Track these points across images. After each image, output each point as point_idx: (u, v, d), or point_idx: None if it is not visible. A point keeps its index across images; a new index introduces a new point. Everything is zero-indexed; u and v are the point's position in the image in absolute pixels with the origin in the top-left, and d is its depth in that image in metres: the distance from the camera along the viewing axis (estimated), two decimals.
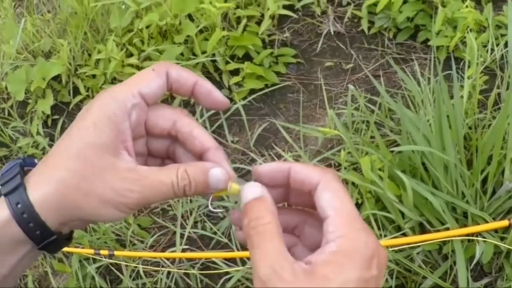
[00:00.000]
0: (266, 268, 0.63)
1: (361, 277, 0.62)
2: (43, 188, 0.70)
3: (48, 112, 3.17)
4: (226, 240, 2.58)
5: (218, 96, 0.77)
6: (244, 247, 2.53)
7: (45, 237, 0.71)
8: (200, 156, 0.77)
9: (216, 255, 2.50)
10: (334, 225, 0.65)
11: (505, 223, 2.23)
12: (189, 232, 2.61)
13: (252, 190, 0.70)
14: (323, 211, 0.66)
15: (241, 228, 0.72)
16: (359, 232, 0.64)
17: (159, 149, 0.80)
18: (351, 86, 2.83)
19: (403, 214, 2.33)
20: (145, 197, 0.71)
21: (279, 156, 2.70)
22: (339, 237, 0.64)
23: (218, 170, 0.74)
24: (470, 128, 2.56)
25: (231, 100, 3.04)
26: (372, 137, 2.56)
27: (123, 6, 3.18)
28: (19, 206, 0.70)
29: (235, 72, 3.12)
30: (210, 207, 0.76)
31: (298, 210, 0.76)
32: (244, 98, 3.01)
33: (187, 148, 0.78)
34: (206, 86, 0.77)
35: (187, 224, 2.62)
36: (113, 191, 0.70)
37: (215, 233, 2.59)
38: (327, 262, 0.62)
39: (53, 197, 0.70)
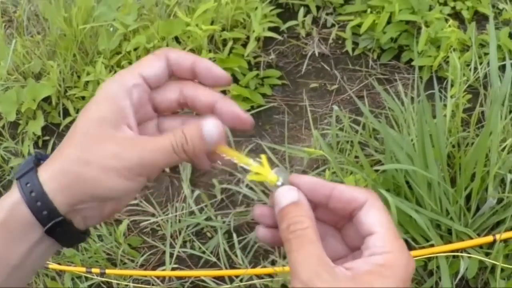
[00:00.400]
0: (308, 270, 0.65)
1: None
2: (50, 167, 0.72)
3: (39, 133, 3.18)
4: (214, 259, 2.59)
5: (218, 71, 0.78)
6: (232, 266, 2.55)
7: (52, 217, 0.71)
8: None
9: (205, 273, 2.51)
10: (383, 240, 0.68)
11: (489, 238, 2.26)
12: (178, 251, 2.63)
13: (289, 194, 0.72)
14: (370, 227, 0.70)
15: (265, 225, 0.75)
16: (403, 250, 0.68)
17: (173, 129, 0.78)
18: (335, 107, 2.86)
19: None
20: (145, 158, 0.72)
21: None
22: (387, 252, 0.67)
23: (210, 122, 0.74)
24: (454, 146, 2.59)
25: None
26: (356, 157, 2.59)
27: (111, 29, 3.20)
28: (28, 185, 0.71)
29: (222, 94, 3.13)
30: (246, 181, 0.77)
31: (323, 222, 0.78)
32: None
33: (197, 110, 0.79)
34: (204, 63, 0.78)
35: (176, 244, 2.64)
36: (113, 157, 0.71)
37: (203, 252, 2.61)
38: (372, 272, 0.66)
39: (59, 174, 0.71)
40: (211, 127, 0.74)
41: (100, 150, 0.71)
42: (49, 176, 0.72)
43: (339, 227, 0.77)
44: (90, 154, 0.71)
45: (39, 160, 0.75)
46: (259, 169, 0.75)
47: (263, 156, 0.76)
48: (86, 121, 0.74)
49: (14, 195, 0.72)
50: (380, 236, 0.69)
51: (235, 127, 0.78)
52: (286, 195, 0.72)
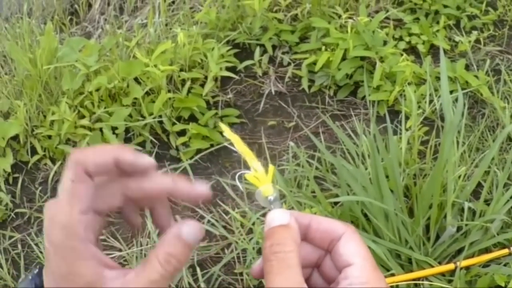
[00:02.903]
0: None
1: None
2: None
3: (9, 170, 3.18)
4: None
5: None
6: None
7: None
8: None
9: None
10: (361, 271, 0.68)
11: (450, 266, 2.28)
12: None
13: (281, 216, 0.70)
14: (348, 258, 0.69)
15: (259, 277, 0.73)
16: (380, 281, 0.68)
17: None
18: (291, 143, 2.88)
19: None
20: None
21: (227, 213, 2.73)
22: (365, 283, 0.67)
23: (186, 228, 0.69)
24: (414, 177, 2.61)
25: (179, 160, 3.08)
26: (313, 191, 2.61)
27: (75, 70, 3.21)
28: None
29: (182, 133, 3.15)
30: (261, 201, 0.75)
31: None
32: (191, 158, 3.04)
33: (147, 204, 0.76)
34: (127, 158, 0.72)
35: None
36: None
37: (169, 285, 2.59)
38: None
39: None
40: (191, 231, 0.69)
41: None
42: None
43: (318, 264, 0.76)
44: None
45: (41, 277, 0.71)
46: (262, 176, 0.74)
47: (272, 166, 0.75)
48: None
49: None
50: (358, 267, 0.68)
51: (196, 202, 0.75)
52: (277, 217, 0.70)
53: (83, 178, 0.68)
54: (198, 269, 2.60)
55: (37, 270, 0.73)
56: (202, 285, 2.57)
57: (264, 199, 0.73)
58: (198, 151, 3.08)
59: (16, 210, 3.10)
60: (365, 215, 2.43)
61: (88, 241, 0.67)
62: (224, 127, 0.78)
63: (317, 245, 0.73)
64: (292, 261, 0.66)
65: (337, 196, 2.58)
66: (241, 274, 2.58)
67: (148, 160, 0.71)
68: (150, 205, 0.76)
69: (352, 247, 0.70)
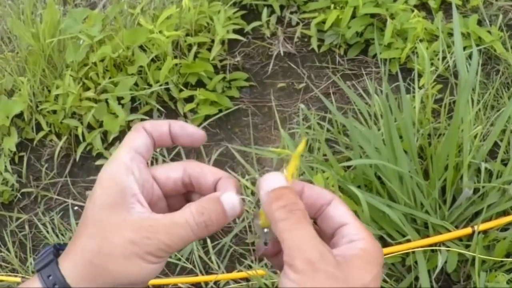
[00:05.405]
0: (315, 250, 0.66)
1: (379, 271, 0.69)
2: (71, 260, 0.72)
3: (14, 149, 3.17)
4: (190, 266, 2.55)
5: (191, 129, 0.80)
6: (208, 271, 2.52)
7: None
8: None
9: (181, 280, 2.48)
10: (356, 228, 0.72)
11: (468, 230, 2.22)
12: None
13: (278, 179, 0.73)
14: (341, 219, 0.73)
15: (271, 254, 0.77)
16: (373, 237, 0.72)
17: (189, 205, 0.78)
18: (302, 106, 2.82)
19: None
20: (163, 242, 0.71)
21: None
22: (363, 238, 0.71)
23: (229, 195, 0.76)
24: (428, 137, 2.55)
25: None
26: (325, 154, 2.55)
27: (81, 41, 3.15)
28: (50, 278, 0.71)
29: (189, 99, 3.11)
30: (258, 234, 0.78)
31: None
32: (200, 125, 2.99)
33: (202, 190, 0.80)
34: (178, 124, 0.80)
35: None
36: (132, 243, 0.70)
37: (179, 259, 2.56)
38: (358, 256, 0.69)
39: (81, 266, 0.71)
40: (233, 200, 0.76)
41: (118, 238, 0.71)
42: (71, 268, 0.72)
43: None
44: (109, 244, 0.71)
45: (58, 250, 0.75)
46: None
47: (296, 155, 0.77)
48: (96, 208, 0.73)
49: (36, 286, 0.72)
50: (352, 225, 0.72)
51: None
52: (277, 179, 0.73)
53: (140, 129, 0.78)
54: (208, 240, 2.57)
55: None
56: (213, 257, 2.53)
57: (261, 229, 0.77)
58: (207, 117, 3.04)
59: (23, 190, 3.07)
60: (379, 178, 2.37)
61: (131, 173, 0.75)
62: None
63: (308, 210, 0.73)
64: (308, 218, 0.70)
65: (349, 159, 2.53)
66: (252, 244, 2.54)
67: (195, 129, 0.81)
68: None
69: (342, 210, 0.74)
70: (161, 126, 0.79)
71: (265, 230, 0.76)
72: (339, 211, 0.74)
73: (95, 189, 0.74)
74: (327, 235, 0.74)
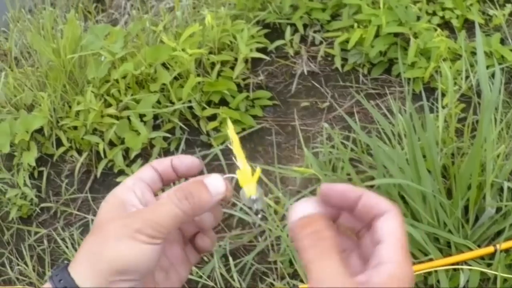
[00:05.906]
0: (336, 283, 0.65)
1: None
2: (77, 261, 0.76)
3: (34, 164, 3.18)
4: (212, 284, 2.55)
5: (187, 160, 0.85)
6: None
7: None
8: None
9: None
10: (393, 250, 0.70)
11: (490, 249, 2.21)
12: None
13: (310, 205, 0.73)
14: (385, 235, 0.71)
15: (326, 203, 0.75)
16: (409, 261, 0.69)
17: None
18: (325, 125, 2.83)
19: None
20: (148, 218, 0.75)
21: None
22: (395, 262, 0.68)
23: (212, 175, 0.80)
24: (451, 156, 2.55)
25: (210, 145, 3.03)
26: (349, 174, 2.55)
27: (102, 58, 3.18)
28: (61, 281, 0.75)
29: (212, 118, 3.11)
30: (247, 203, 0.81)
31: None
32: (223, 143, 2.99)
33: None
34: (177, 158, 0.85)
35: None
36: (123, 226, 0.75)
37: (200, 276, 2.57)
38: (384, 283, 0.67)
39: (84, 260, 0.75)
40: (213, 179, 0.80)
41: (112, 226, 0.76)
42: (78, 270, 0.75)
43: (359, 236, 0.77)
44: (105, 233, 0.76)
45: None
46: (248, 176, 0.80)
47: (259, 169, 0.81)
48: (99, 218, 0.78)
49: None
50: (390, 246, 0.70)
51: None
52: (308, 205, 0.73)
53: (148, 166, 0.84)
54: (230, 258, 2.57)
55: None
56: (235, 275, 2.53)
57: (248, 199, 0.79)
58: None
59: (42, 205, 3.09)
60: (402, 198, 2.37)
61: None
62: (229, 125, 0.88)
63: (360, 219, 0.75)
64: (336, 248, 0.68)
65: (373, 178, 2.52)
66: (275, 262, 2.54)
67: (191, 159, 0.85)
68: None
69: (389, 226, 0.71)
70: (164, 161, 0.84)
71: (253, 197, 0.78)
72: (385, 226, 0.72)
73: (101, 206, 0.79)
74: (372, 246, 0.73)
